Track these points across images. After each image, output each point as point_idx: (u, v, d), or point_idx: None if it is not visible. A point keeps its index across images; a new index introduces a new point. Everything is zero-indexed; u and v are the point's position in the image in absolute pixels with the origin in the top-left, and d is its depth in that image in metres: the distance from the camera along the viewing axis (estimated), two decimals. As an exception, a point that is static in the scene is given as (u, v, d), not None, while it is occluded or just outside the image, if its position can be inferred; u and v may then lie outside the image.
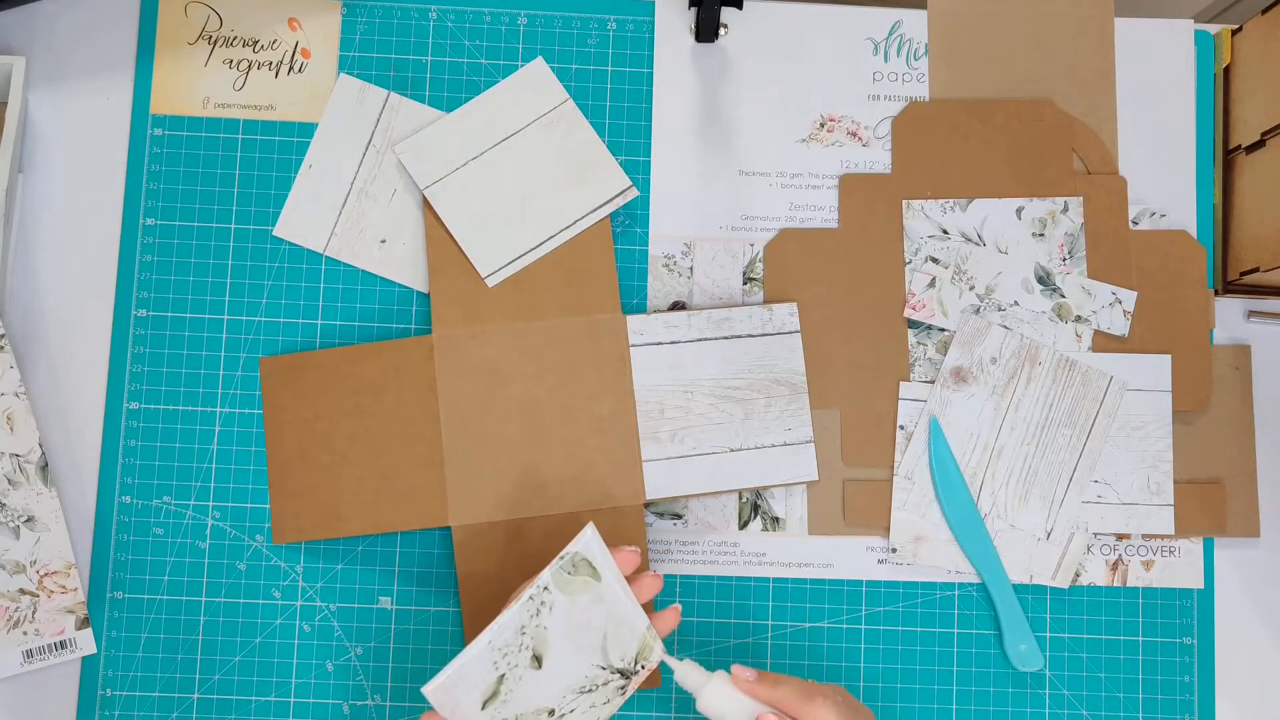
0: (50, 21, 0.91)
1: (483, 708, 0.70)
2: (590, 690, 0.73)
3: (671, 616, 0.77)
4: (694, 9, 0.93)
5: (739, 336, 0.89)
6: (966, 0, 0.94)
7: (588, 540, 0.72)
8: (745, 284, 0.92)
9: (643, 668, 0.75)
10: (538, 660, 0.71)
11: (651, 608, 0.80)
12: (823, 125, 0.94)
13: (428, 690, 0.68)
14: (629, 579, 0.75)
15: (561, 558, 0.71)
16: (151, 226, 0.90)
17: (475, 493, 0.87)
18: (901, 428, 0.90)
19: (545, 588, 0.71)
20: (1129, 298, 0.91)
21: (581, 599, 0.72)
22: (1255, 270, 0.89)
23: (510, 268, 0.89)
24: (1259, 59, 0.91)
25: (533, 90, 0.92)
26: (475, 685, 0.70)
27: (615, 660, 0.73)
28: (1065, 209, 0.92)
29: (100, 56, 0.91)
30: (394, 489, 0.87)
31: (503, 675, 0.70)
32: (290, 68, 0.92)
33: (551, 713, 0.72)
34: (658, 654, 0.75)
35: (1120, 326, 0.91)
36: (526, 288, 0.89)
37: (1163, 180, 0.94)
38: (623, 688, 0.75)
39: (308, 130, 0.91)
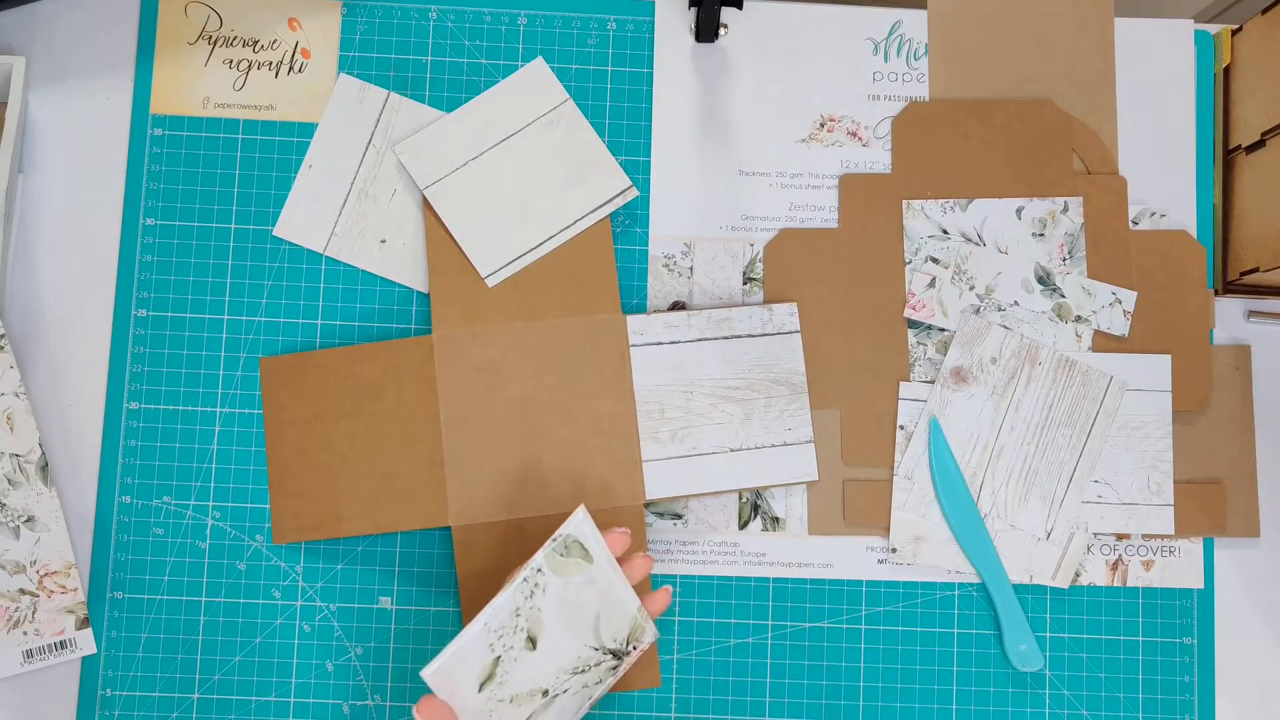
0: (50, 21, 0.91)
1: (479, 690, 0.71)
2: (583, 670, 0.74)
3: (663, 597, 0.79)
4: (694, 9, 0.93)
5: (739, 336, 0.89)
6: (966, 0, 0.94)
7: (579, 522, 0.73)
8: (745, 284, 0.92)
9: (634, 648, 0.76)
10: (532, 641, 0.72)
11: (647, 589, 0.80)
12: (823, 125, 0.94)
13: (426, 674, 0.69)
14: (620, 560, 0.76)
15: (554, 540, 0.72)
16: (151, 226, 0.90)
17: (475, 493, 0.87)
18: (901, 428, 0.90)
19: (539, 569, 0.72)
20: (1129, 298, 0.91)
21: (574, 580, 0.73)
22: (1255, 270, 0.89)
23: (510, 268, 0.89)
24: (1259, 59, 0.91)
25: (533, 90, 0.92)
26: (472, 668, 0.70)
27: (607, 641, 0.74)
28: (1065, 209, 0.92)
29: (100, 56, 0.91)
30: (394, 489, 0.87)
31: (498, 657, 0.70)
32: (290, 68, 0.92)
33: (545, 693, 0.73)
34: (650, 635, 0.76)
35: (1120, 326, 0.91)
36: (526, 288, 0.89)
37: (1163, 180, 0.94)
38: (614, 668, 0.76)
39: (308, 130, 0.91)
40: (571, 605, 0.73)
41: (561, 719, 0.74)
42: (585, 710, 0.76)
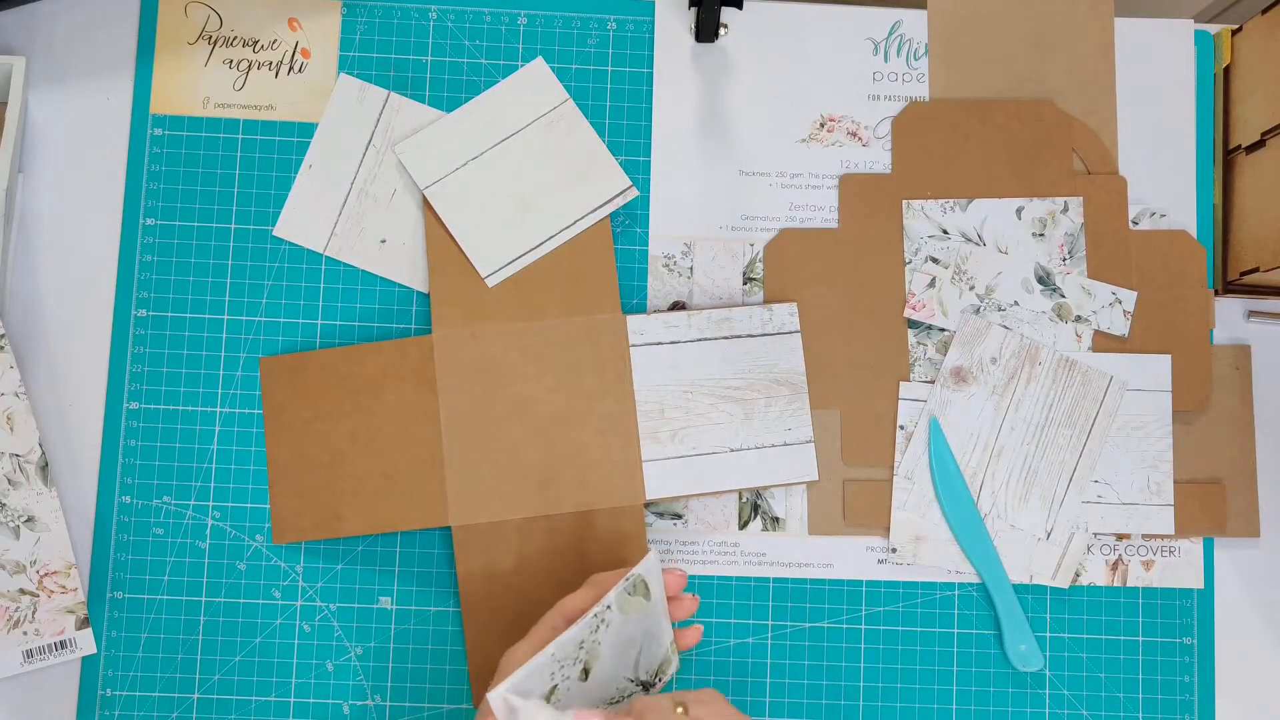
0: (50, 21, 0.91)
1: None
2: (616, 701, 0.75)
3: (693, 634, 0.79)
4: (694, 9, 0.93)
5: (739, 336, 0.89)
6: (966, 0, 0.94)
7: (651, 564, 0.74)
8: (745, 284, 0.92)
9: (659, 680, 0.77)
10: (585, 672, 0.72)
11: None
12: (823, 125, 0.94)
13: (492, 695, 0.69)
14: (670, 598, 0.76)
15: (627, 579, 0.73)
16: (151, 226, 0.90)
17: (475, 493, 0.87)
18: (901, 428, 0.90)
19: (609, 606, 0.72)
20: (1129, 298, 0.91)
21: (633, 617, 0.73)
22: (1255, 270, 0.89)
23: (510, 268, 0.89)
24: (1259, 59, 0.91)
25: (533, 90, 0.92)
26: (531, 693, 0.71)
27: (641, 674, 0.75)
28: (1065, 209, 0.92)
29: (100, 56, 0.91)
30: (394, 489, 0.87)
31: (555, 686, 0.71)
32: (290, 68, 0.92)
33: None
34: (673, 667, 0.77)
35: (1120, 326, 0.91)
36: (526, 288, 0.89)
37: (1163, 180, 0.94)
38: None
39: (308, 130, 0.91)
40: (624, 640, 0.73)
41: None
42: None
